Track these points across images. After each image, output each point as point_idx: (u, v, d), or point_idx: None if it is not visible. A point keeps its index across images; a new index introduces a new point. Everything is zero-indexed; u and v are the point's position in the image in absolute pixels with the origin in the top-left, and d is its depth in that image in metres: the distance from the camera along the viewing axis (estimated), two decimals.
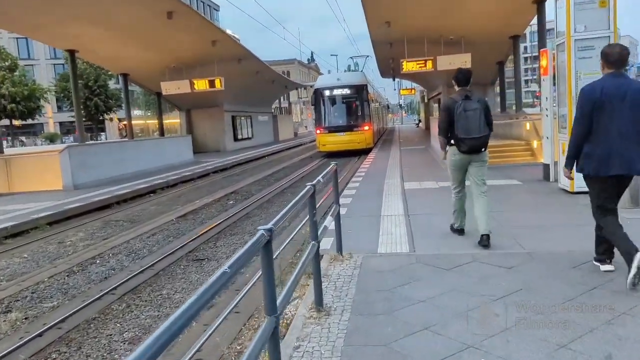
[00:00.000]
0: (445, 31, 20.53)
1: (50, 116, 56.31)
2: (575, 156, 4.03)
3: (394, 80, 45.56)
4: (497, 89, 29.45)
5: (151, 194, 13.66)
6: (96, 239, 8.65)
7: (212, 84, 23.49)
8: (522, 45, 46.32)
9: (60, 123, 58.56)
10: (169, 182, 14.91)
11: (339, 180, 5.98)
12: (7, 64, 42.99)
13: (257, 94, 33.79)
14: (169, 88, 24.02)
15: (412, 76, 34.76)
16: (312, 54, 47.85)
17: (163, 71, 23.68)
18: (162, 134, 27.45)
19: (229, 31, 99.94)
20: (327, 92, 22.38)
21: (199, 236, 8.22)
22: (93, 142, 35.28)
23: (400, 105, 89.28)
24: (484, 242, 5.02)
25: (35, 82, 48.76)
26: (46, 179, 14.06)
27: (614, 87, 3.83)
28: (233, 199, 12.09)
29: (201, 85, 23.62)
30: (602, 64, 4.00)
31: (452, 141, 5.22)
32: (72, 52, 19.93)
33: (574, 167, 4.10)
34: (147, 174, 17.13)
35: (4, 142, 48.29)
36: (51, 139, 51.26)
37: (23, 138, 53.47)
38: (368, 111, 22.39)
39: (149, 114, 51.34)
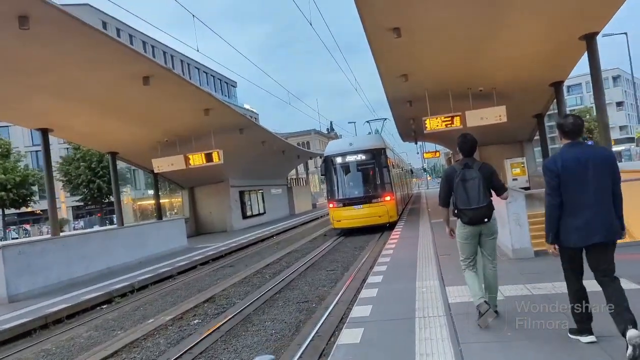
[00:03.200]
0: (472, 82, 17.57)
1: (63, 200, 54.64)
2: (556, 229, 3.96)
3: (415, 143, 42.69)
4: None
5: (103, 305, 10.33)
6: None
7: (209, 157, 20.69)
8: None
9: (73, 207, 56.72)
10: (134, 285, 11.59)
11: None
12: None
13: (266, 166, 31.03)
14: (161, 165, 21.30)
15: (436, 137, 31.78)
16: (331, 123, 45.98)
17: (154, 146, 21.06)
18: (160, 216, 24.52)
19: (247, 105, 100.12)
20: (338, 160, 19.25)
21: None
22: (45, 237, 32.13)
23: (424, 169, 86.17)
24: (483, 309, 4.69)
25: (29, 167, 47.32)
26: None
27: (573, 158, 3.92)
28: (202, 313, 8.65)
29: (197, 160, 20.83)
30: (559, 135, 4.07)
31: (456, 212, 5.02)
32: (44, 131, 17.44)
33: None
34: (117, 271, 13.90)
35: (7, 232, 46.65)
36: (60, 224, 49.16)
37: (27, 227, 51.40)
38: (389, 178, 19.08)
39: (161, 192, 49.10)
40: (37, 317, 8.71)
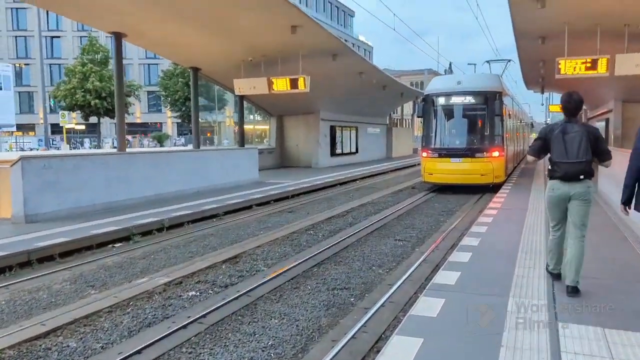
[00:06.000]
0: (634, 17, 13.17)
1: (169, 116, 56.06)
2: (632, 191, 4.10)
3: (542, 93, 37.01)
4: None
5: (117, 244, 8.61)
6: None
7: (294, 84, 18.30)
8: None
9: (178, 124, 58.07)
10: (164, 222, 9.76)
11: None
12: (98, 56, 42.29)
13: (363, 101, 28.05)
14: (242, 87, 19.38)
15: (569, 85, 26.55)
16: (450, 64, 41.34)
17: (238, 65, 19.07)
18: (242, 143, 22.94)
19: (362, 38, 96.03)
20: (441, 100, 15.83)
21: None
22: (80, 152, 30.85)
23: (546, 124, 77.52)
24: (570, 293, 4.63)
25: (128, 78, 47.75)
26: None
27: None
28: (209, 280, 6.47)
29: (281, 85, 18.55)
30: None
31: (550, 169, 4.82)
32: (118, 36, 15.96)
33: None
34: (165, 200, 12.31)
35: (102, 141, 48.19)
36: (159, 139, 50.32)
37: (129, 137, 53.26)
38: (500, 129, 15.44)
39: (259, 118, 48.11)
40: (18, 252, 7.10)
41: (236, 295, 5.74)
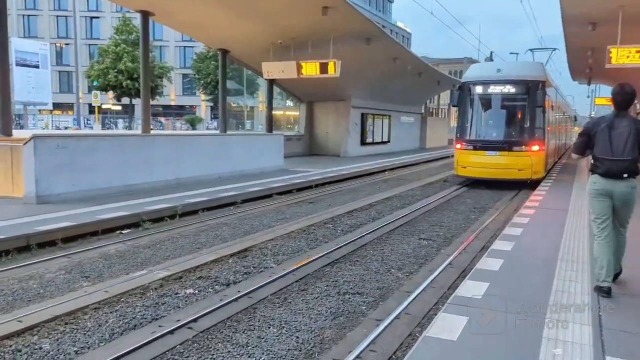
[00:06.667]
0: None
1: (203, 99, 56.07)
2: None
3: (588, 84, 35.25)
4: None
5: (124, 230, 8.21)
6: None
7: (324, 68, 17.68)
8: None
9: (212, 107, 58.06)
10: (177, 209, 9.31)
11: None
12: (131, 37, 42.27)
13: (397, 89, 27.10)
14: (271, 71, 18.92)
15: (619, 76, 25.01)
16: (491, 53, 39.70)
17: (267, 48, 18.55)
18: (270, 129, 22.46)
19: (400, 24, 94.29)
20: (478, 89, 14.86)
21: None
22: (97, 132, 29.78)
23: (591, 118, 74.36)
24: (603, 292, 4.44)
25: (155, 59, 47.39)
26: (4, 181, 9.55)
27: None
28: (211, 276, 5.95)
29: (310, 69, 17.97)
30: None
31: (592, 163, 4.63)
32: (144, 15, 15.65)
33: None
34: (184, 185, 11.93)
35: (133, 123, 48.39)
36: (192, 122, 50.32)
37: (163, 120, 53.55)
38: (542, 122, 14.39)
39: (290, 103, 47.56)
40: (16, 236, 6.74)
41: (235, 297, 5.19)
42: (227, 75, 47.14)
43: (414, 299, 5.21)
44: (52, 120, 47.36)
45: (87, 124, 46.02)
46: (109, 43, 44.44)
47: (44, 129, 40.63)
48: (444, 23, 27.98)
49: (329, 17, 15.41)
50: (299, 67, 17.94)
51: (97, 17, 61.84)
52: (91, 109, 51.41)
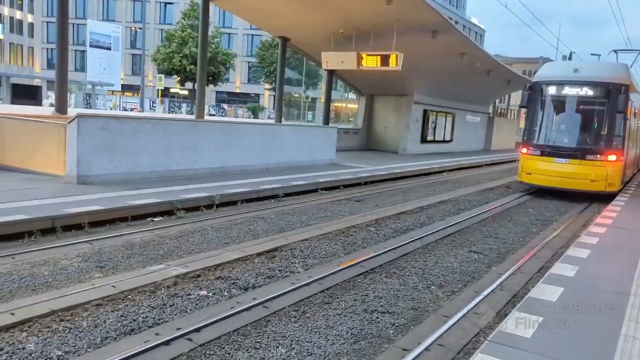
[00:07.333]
0: None
1: (266, 87, 56.37)
2: None
3: None
4: None
5: (156, 217, 7.91)
6: None
7: (385, 60, 16.94)
8: None
9: (274, 96, 58.26)
10: (214, 199, 8.94)
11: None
12: (198, 22, 42.57)
13: (464, 86, 25.76)
14: (330, 61, 18.35)
15: None
16: (570, 54, 37.18)
17: (328, 37, 17.98)
18: (326, 121, 21.90)
19: (474, 20, 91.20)
20: (551, 90, 13.59)
21: None
22: (140, 115, 29.33)
23: None
24: None
25: (220, 46, 47.42)
26: (48, 159, 9.53)
27: None
28: (232, 277, 5.47)
29: (371, 61, 17.27)
30: None
31: None
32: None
33: None
34: (229, 174, 11.61)
35: (210, 110, 49.24)
36: (253, 110, 50.62)
37: (225, 106, 54.16)
38: (622, 129, 12.97)
39: (352, 96, 46.78)
40: (41, 217, 6.55)
41: (249, 305, 4.67)
42: (290, 65, 47.07)
43: (450, 327, 4.48)
44: (120, 102, 49.19)
45: (152, 106, 47.40)
46: (175, 28, 45.35)
47: (111, 109, 42.15)
48: (520, 19, 26.23)
49: (394, 6, 14.61)
50: (359, 59, 17.26)
51: (171, 3, 63.49)
52: (164, 93, 52.97)
